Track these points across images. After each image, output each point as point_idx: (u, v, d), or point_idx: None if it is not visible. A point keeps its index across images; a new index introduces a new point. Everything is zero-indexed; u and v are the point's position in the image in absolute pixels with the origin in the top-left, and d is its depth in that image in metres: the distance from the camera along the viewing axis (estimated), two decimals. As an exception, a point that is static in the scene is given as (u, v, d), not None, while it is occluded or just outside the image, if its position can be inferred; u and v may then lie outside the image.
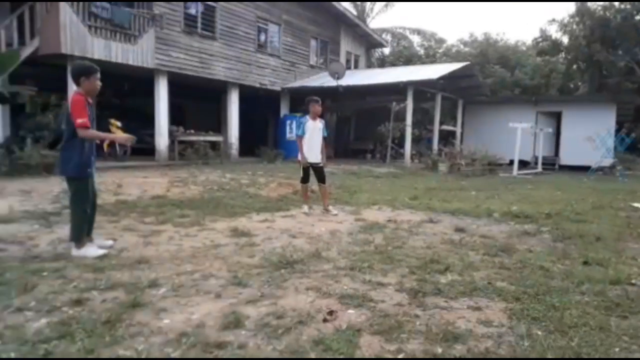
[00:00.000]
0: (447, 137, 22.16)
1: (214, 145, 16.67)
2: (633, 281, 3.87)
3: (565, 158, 21.33)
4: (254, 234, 5.48)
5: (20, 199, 7.35)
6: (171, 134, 15.96)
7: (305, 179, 7.39)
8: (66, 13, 12.45)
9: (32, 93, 11.06)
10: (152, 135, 15.58)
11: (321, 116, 7.44)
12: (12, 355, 2.42)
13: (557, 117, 21.94)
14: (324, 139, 7.36)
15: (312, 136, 7.23)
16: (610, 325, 2.94)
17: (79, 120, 4.23)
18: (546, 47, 32.94)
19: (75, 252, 4.34)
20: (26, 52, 12.11)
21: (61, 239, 4.88)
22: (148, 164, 14.15)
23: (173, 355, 2.48)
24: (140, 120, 16.31)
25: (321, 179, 7.39)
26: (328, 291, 3.50)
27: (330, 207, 7.29)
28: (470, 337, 2.77)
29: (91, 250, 4.39)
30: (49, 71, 13.17)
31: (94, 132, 4.47)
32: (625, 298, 3.44)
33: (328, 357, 2.48)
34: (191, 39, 16.11)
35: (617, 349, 2.61)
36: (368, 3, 33.68)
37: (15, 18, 12.50)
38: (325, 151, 7.44)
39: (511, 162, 18.01)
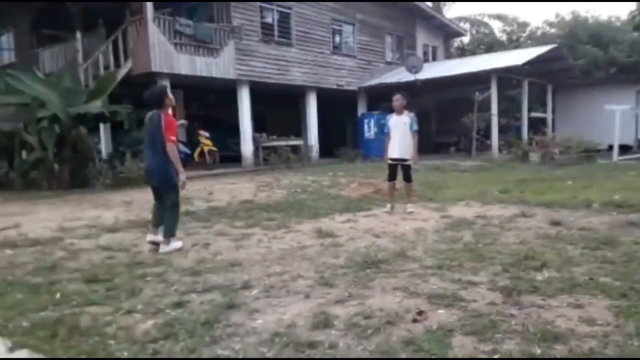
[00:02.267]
0: (536, 125, 20.95)
1: (295, 149, 17.09)
2: None
3: (675, 139, 19.34)
4: (338, 234, 5.53)
5: (123, 210, 7.98)
6: (255, 141, 16.57)
7: (390, 177, 7.31)
8: (154, 33, 13.32)
9: (128, 111, 12.01)
10: (238, 143, 16.28)
11: (407, 109, 7.23)
12: (125, 354, 2.64)
13: (662, 96, 19.94)
14: (415, 133, 7.09)
15: (395, 131, 7.11)
16: None
17: (172, 138, 4.88)
18: (645, 19, 30.05)
19: (164, 248, 4.92)
20: (121, 73, 13.14)
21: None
22: (235, 170, 14.78)
23: (268, 355, 2.58)
24: (226, 129, 17.11)
25: (406, 177, 7.20)
26: (416, 291, 3.46)
27: (409, 206, 7.04)
28: (571, 337, 2.61)
29: (176, 244, 5.04)
30: (141, 89, 14.20)
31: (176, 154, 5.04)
32: None
33: (419, 357, 2.45)
34: (269, 47, 16.60)
35: None
36: (443, -7, 32.75)
37: (110, 43, 13.62)
38: (416, 146, 7.10)
39: (610, 148, 16.65)
